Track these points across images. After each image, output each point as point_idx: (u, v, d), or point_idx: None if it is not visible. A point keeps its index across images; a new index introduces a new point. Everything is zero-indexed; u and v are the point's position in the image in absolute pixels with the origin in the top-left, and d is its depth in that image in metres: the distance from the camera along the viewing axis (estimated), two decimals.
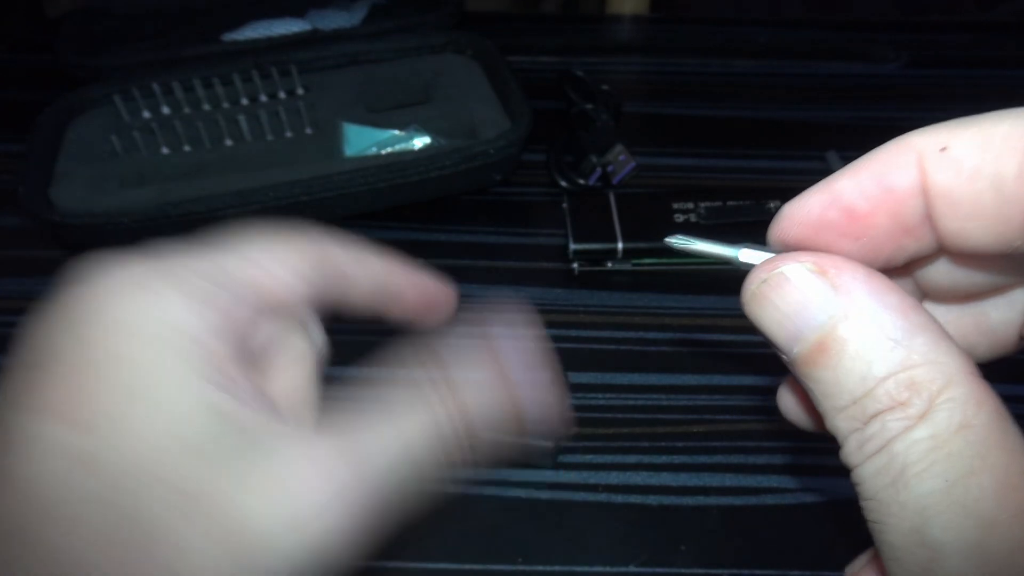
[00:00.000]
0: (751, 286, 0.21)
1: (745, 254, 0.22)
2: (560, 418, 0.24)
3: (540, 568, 0.36)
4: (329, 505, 0.19)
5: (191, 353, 0.20)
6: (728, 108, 0.61)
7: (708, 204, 0.49)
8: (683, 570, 0.36)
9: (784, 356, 0.21)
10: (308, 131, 0.53)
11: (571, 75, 0.58)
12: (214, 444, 0.19)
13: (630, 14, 0.74)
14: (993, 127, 0.19)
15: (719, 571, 0.36)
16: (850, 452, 0.19)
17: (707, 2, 0.99)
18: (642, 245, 0.47)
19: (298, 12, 0.61)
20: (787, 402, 0.27)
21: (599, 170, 0.53)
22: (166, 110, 0.53)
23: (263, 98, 0.55)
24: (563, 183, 0.53)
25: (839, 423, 0.19)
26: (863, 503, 0.19)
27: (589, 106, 0.55)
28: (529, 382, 0.23)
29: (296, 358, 0.23)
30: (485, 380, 0.23)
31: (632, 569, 0.36)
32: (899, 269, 0.23)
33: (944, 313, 0.25)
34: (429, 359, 0.23)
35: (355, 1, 0.62)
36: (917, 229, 0.20)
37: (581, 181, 0.53)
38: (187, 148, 0.52)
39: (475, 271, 0.49)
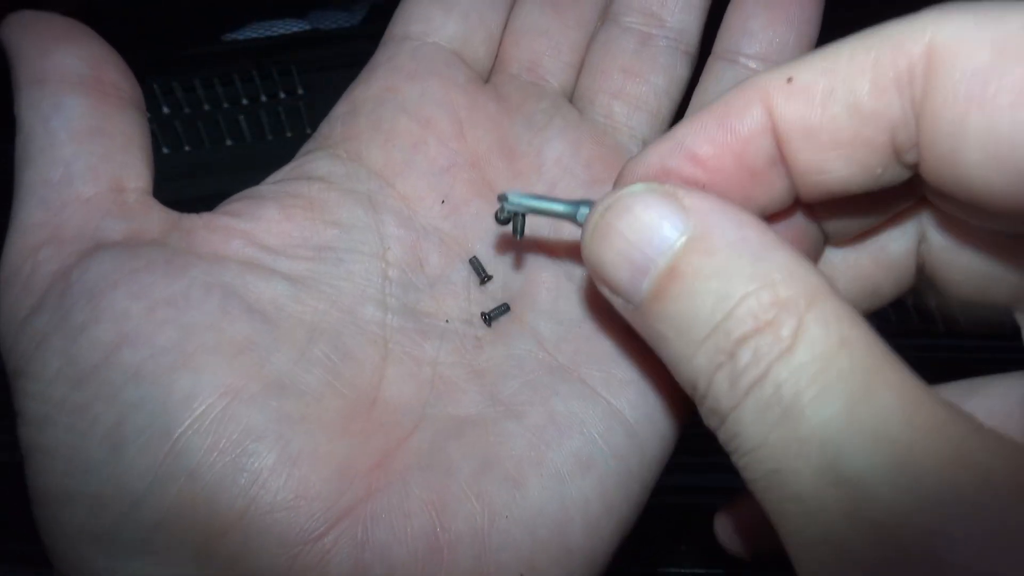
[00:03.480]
0: (593, 219, 0.19)
1: (585, 211, 0.20)
2: None
3: None
4: None
5: None
6: None
7: None
8: (683, 570, 0.36)
9: (629, 305, 0.18)
10: (308, 131, 0.53)
11: None
12: None
13: None
14: (837, 53, 0.18)
15: (719, 571, 0.36)
16: (720, 395, 0.17)
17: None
18: None
19: (298, 12, 0.61)
20: (724, 528, 0.25)
21: None
22: (166, 110, 0.54)
23: (263, 98, 0.55)
24: None
25: (699, 362, 0.17)
26: (745, 459, 0.16)
27: None
28: None
29: None
30: None
31: (633, 569, 0.36)
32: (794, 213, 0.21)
33: (843, 256, 0.24)
34: None
35: (355, 1, 0.62)
36: (765, 173, 0.19)
37: None
38: (187, 148, 0.52)
39: None
